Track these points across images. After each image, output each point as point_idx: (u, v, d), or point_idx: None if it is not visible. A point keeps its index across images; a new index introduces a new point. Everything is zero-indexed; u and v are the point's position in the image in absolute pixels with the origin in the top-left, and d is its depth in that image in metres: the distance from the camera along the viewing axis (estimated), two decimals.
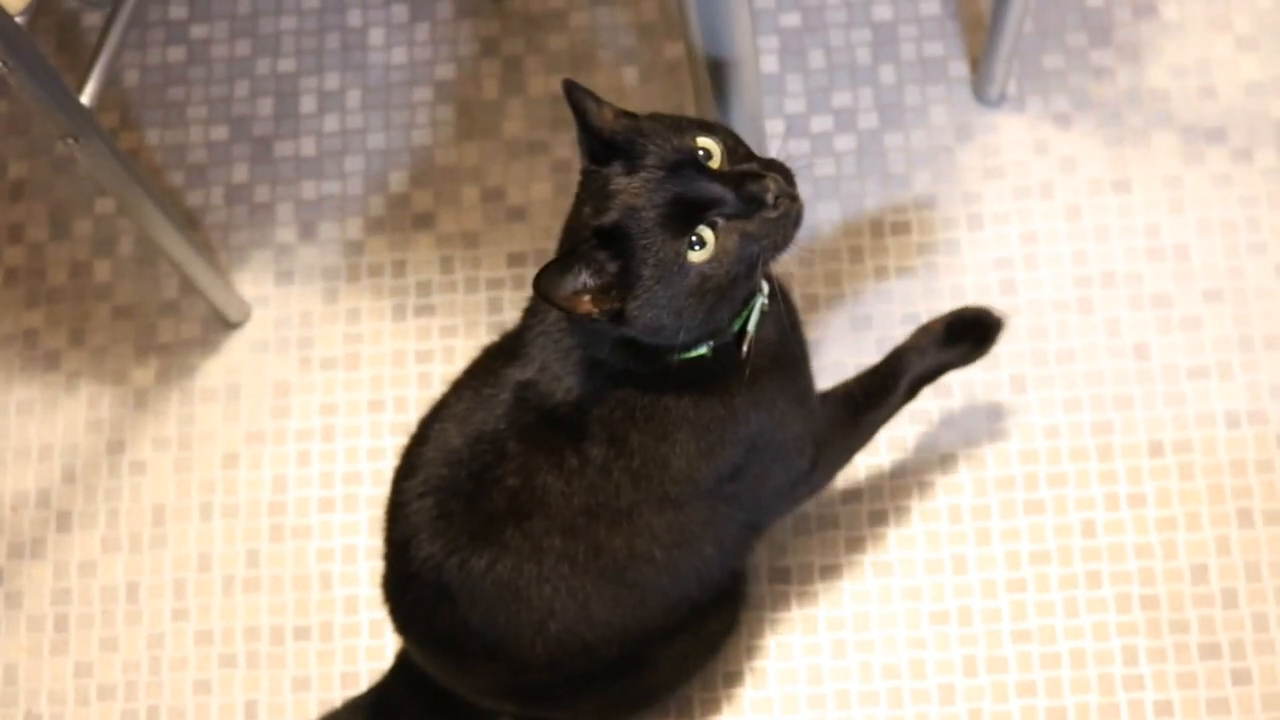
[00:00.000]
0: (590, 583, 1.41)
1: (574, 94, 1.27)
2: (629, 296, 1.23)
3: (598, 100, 1.27)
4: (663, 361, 1.31)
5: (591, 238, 1.23)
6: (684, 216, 1.22)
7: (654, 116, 1.28)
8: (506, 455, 1.37)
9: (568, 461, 1.36)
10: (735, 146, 1.27)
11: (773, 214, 1.23)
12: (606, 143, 1.26)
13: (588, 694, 1.54)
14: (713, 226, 1.22)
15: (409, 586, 1.44)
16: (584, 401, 1.35)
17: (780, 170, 1.26)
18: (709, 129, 1.26)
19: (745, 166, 1.25)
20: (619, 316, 1.24)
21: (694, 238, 1.22)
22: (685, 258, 1.22)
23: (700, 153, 1.24)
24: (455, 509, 1.39)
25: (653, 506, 1.39)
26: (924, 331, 1.58)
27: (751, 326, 1.34)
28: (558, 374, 1.36)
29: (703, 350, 1.32)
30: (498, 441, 1.38)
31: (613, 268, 1.23)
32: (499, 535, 1.38)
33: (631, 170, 1.24)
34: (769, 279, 1.34)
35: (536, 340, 1.38)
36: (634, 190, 1.23)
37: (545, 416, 1.37)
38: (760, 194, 1.22)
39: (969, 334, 1.59)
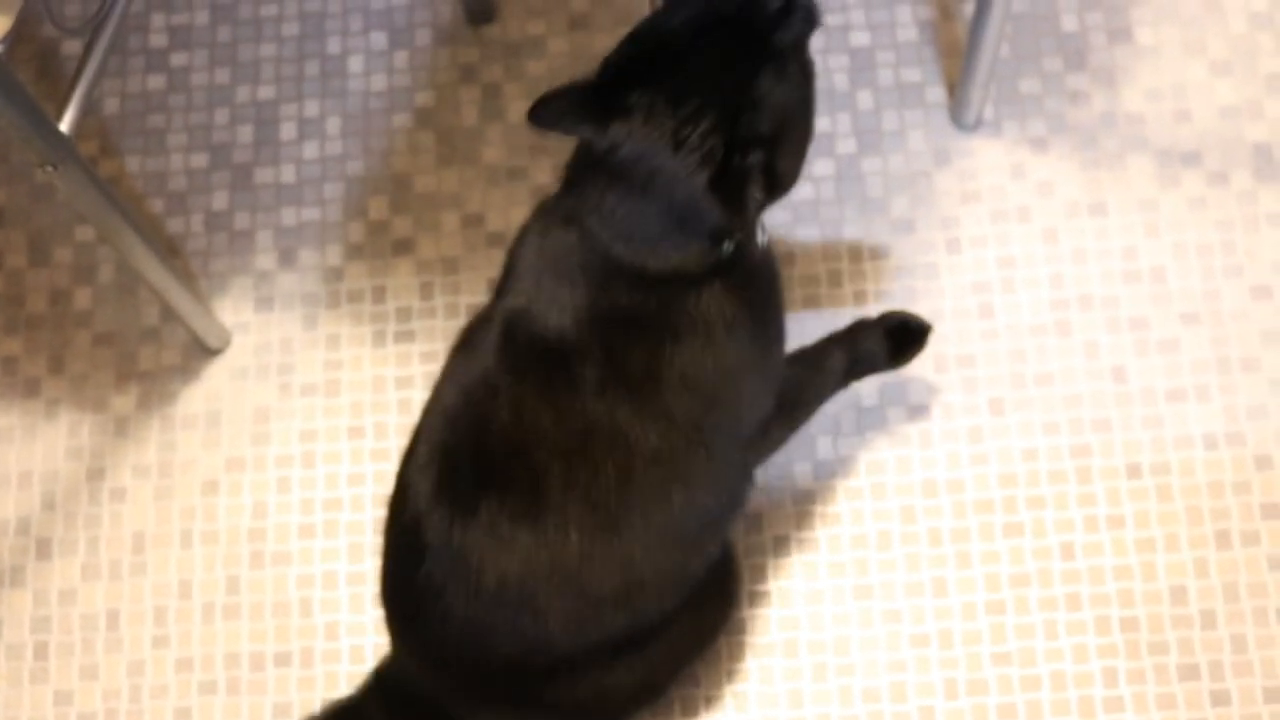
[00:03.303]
0: (594, 516, 1.38)
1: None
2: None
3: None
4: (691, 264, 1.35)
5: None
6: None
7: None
8: (498, 392, 1.38)
9: (560, 385, 1.36)
10: None
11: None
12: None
13: (589, 682, 1.52)
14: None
15: (421, 564, 1.41)
16: (578, 319, 1.36)
17: None
18: None
19: None
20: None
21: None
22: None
23: None
24: (459, 466, 1.39)
25: (646, 422, 1.38)
26: (860, 328, 1.64)
27: (761, 237, 1.39)
28: (550, 296, 1.37)
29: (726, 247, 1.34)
30: (489, 380, 1.38)
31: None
32: (502, 477, 1.37)
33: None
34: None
35: (524, 270, 1.39)
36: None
37: (535, 342, 1.37)
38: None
39: (901, 339, 1.67)
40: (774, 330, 1.48)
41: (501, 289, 1.44)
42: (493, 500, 1.38)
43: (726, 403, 1.43)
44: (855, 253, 1.86)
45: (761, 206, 1.32)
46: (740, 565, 1.66)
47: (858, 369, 1.68)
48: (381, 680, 1.61)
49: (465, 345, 1.45)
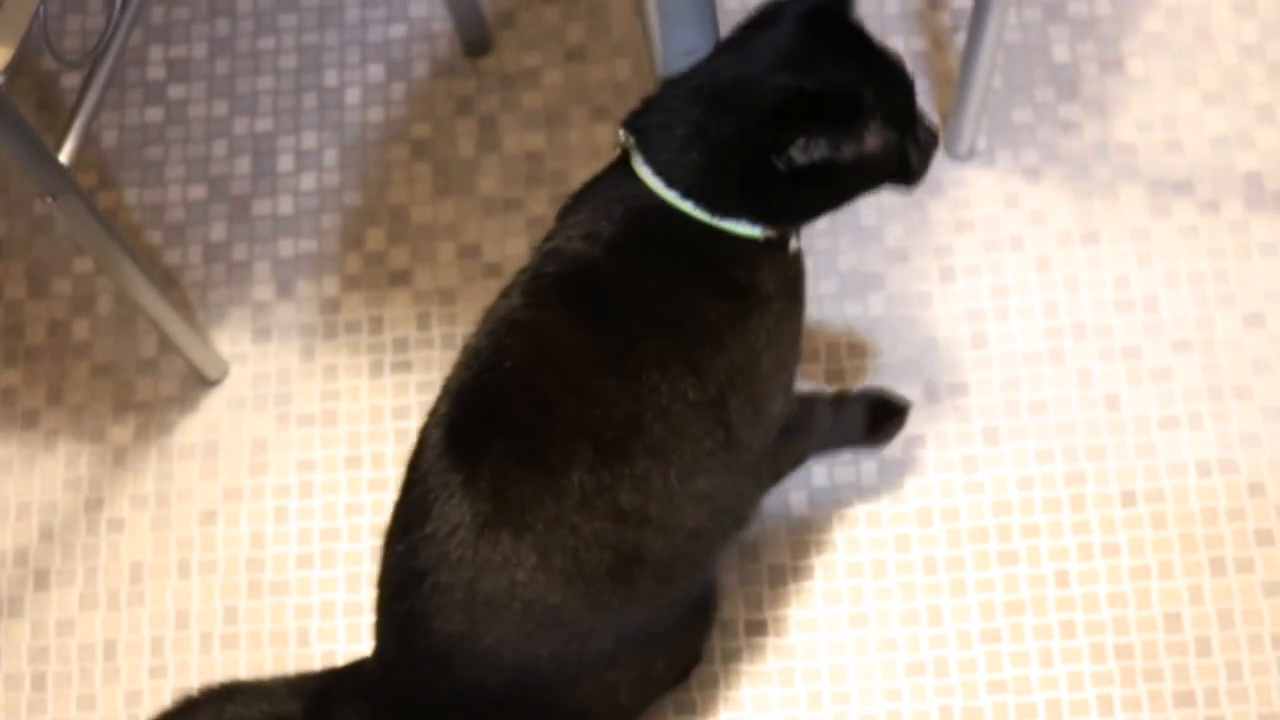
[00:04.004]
0: (601, 468, 1.36)
1: None
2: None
3: None
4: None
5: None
6: None
7: None
8: (518, 325, 1.38)
9: (583, 311, 1.36)
10: None
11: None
12: None
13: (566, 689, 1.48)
14: None
15: (425, 524, 1.38)
16: (610, 246, 1.37)
17: None
18: None
19: None
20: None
21: None
22: None
23: None
24: (469, 424, 1.38)
25: (671, 365, 1.37)
26: (840, 397, 1.65)
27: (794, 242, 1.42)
28: (588, 230, 1.38)
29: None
30: (510, 318, 1.39)
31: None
32: (511, 417, 1.35)
33: None
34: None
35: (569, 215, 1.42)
36: None
37: (563, 273, 1.38)
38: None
39: (880, 416, 1.71)
40: (798, 324, 1.47)
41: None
42: (502, 442, 1.36)
43: (752, 377, 1.41)
44: (849, 282, 1.87)
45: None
46: (718, 605, 1.65)
47: (836, 436, 1.70)
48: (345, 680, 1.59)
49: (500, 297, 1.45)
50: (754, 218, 1.37)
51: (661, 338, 1.36)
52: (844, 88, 1.34)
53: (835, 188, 1.40)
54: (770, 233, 1.38)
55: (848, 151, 1.34)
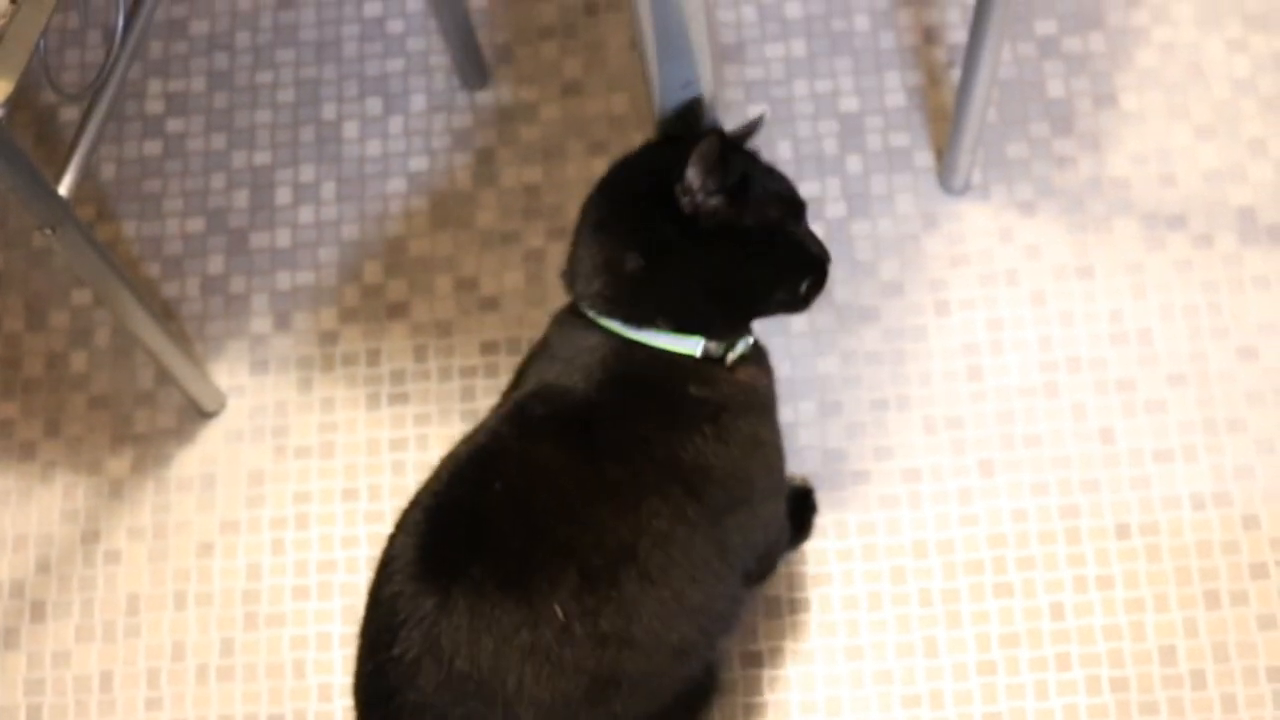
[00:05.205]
0: (586, 592, 1.34)
1: None
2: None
3: None
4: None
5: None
6: None
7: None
8: (506, 454, 1.38)
9: (576, 449, 1.37)
10: None
11: None
12: None
13: None
14: None
15: (394, 642, 1.35)
16: (600, 384, 1.39)
17: None
18: None
19: None
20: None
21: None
22: None
23: None
24: (450, 528, 1.37)
25: (662, 502, 1.37)
26: None
27: (735, 353, 1.44)
28: (576, 367, 1.40)
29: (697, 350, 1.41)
30: (496, 446, 1.40)
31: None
32: (495, 540, 1.34)
33: None
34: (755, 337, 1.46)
35: (536, 366, 1.44)
36: None
37: (552, 410, 1.39)
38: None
39: (801, 513, 1.73)
40: (773, 427, 1.49)
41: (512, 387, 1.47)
42: (481, 566, 1.33)
43: (744, 488, 1.43)
44: (844, 315, 1.88)
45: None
46: (718, 689, 1.61)
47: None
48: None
49: (467, 438, 1.44)
50: (674, 324, 1.40)
51: (652, 464, 1.38)
52: (726, 146, 1.37)
53: (739, 276, 1.41)
54: (708, 346, 1.41)
55: (740, 199, 1.38)
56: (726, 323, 1.43)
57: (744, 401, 1.44)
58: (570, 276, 1.44)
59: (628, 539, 1.36)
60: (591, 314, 1.41)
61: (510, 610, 1.32)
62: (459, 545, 1.35)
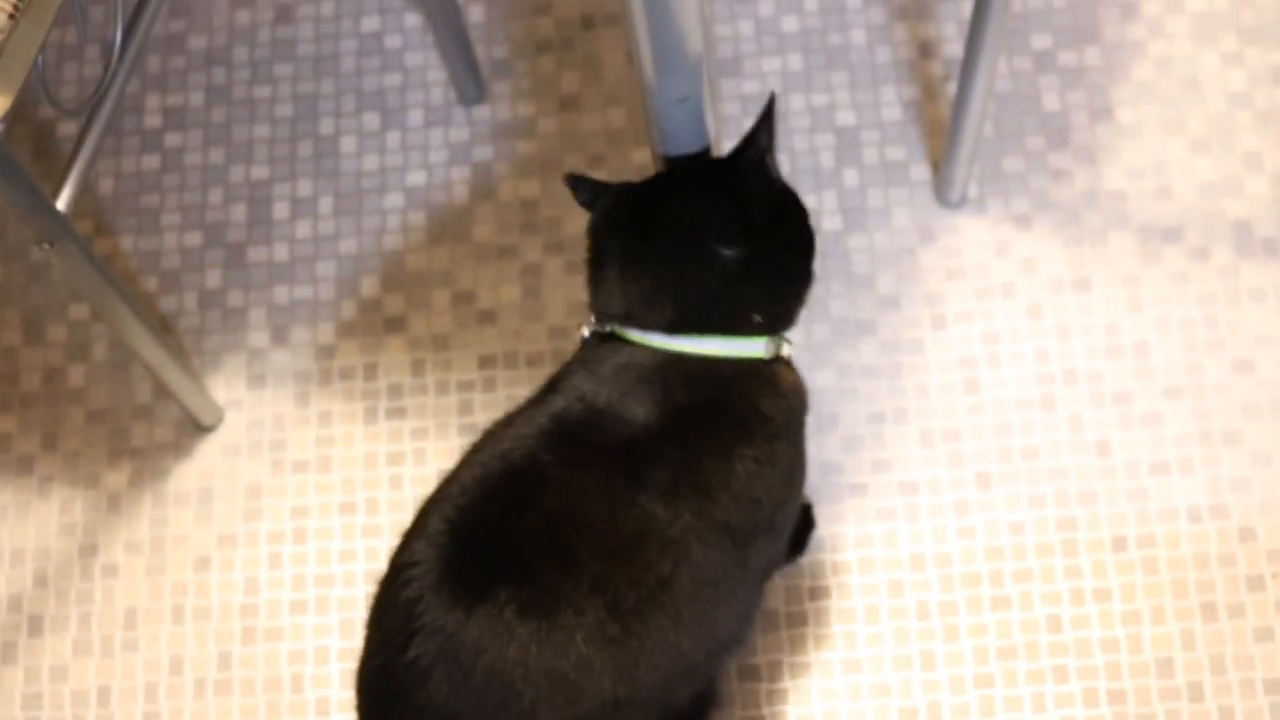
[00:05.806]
0: (610, 624, 1.33)
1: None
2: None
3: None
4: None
5: None
6: None
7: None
8: (545, 480, 1.36)
9: (623, 483, 1.35)
10: None
11: None
12: None
13: None
14: None
15: (408, 647, 1.35)
16: (661, 422, 1.37)
17: None
18: None
19: None
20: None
21: None
22: None
23: None
24: (478, 546, 1.35)
25: (705, 531, 1.36)
26: None
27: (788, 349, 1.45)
28: (627, 390, 1.38)
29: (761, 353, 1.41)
30: (534, 468, 1.37)
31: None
32: (525, 565, 1.33)
33: None
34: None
35: (576, 376, 1.41)
36: None
37: (597, 437, 1.37)
38: None
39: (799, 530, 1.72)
40: (804, 435, 1.49)
41: (550, 386, 1.43)
42: (507, 589, 1.32)
43: (778, 516, 1.43)
44: (840, 329, 1.88)
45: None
46: (718, 702, 1.63)
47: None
48: None
49: (492, 439, 1.42)
50: (769, 317, 1.40)
51: (708, 505, 1.36)
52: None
53: (804, 247, 1.45)
54: (771, 345, 1.41)
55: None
56: (799, 306, 1.45)
57: (798, 408, 1.44)
58: (605, 302, 1.41)
59: (663, 575, 1.35)
60: (641, 336, 1.39)
61: (532, 637, 1.32)
62: (487, 564, 1.34)
